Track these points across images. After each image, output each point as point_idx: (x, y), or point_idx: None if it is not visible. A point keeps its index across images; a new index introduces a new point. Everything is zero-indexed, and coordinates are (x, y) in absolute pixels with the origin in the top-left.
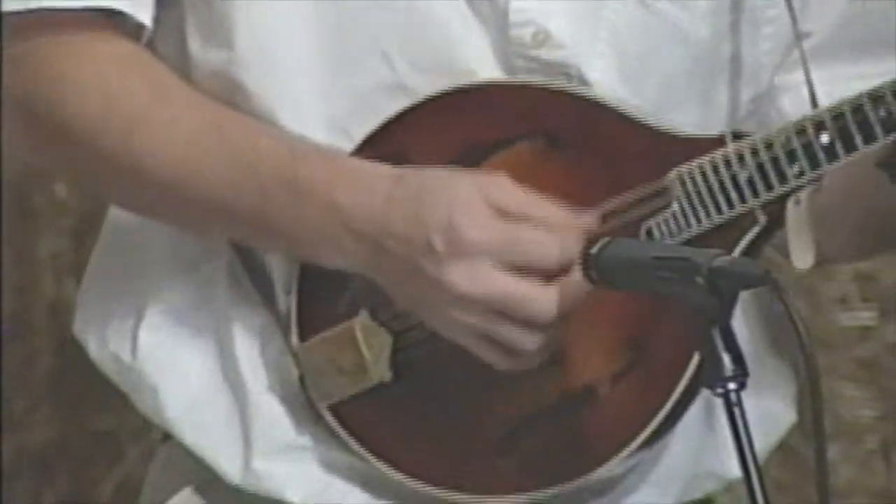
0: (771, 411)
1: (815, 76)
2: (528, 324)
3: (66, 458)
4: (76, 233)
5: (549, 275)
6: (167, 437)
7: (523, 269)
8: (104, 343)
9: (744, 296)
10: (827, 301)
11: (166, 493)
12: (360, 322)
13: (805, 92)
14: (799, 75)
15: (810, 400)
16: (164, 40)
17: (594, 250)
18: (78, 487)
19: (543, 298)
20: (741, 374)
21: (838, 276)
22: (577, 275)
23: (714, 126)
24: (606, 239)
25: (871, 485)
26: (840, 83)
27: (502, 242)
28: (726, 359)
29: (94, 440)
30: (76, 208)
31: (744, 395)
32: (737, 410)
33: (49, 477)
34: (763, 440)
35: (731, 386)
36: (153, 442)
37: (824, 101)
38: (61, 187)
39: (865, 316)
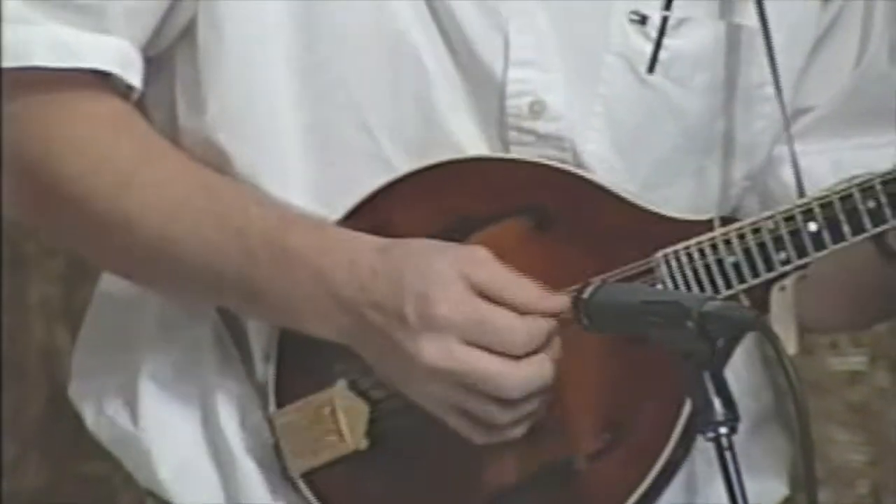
0: (763, 485)
1: (818, 147)
2: (496, 399)
3: None
4: (66, 278)
5: (516, 355)
6: (158, 502)
7: (491, 349)
8: (101, 409)
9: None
10: (818, 345)
11: None
12: (338, 391)
13: (806, 163)
14: (799, 146)
15: (801, 445)
16: (154, 108)
17: (585, 295)
18: None
19: (509, 376)
20: (732, 419)
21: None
22: (550, 352)
23: (707, 201)
24: (598, 283)
25: None
26: (847, 153)
27: (470, 322)
28: (717, 403)
29: (86, 486)
30: (66, 253)
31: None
32: (728, 454)
33: None
34: None
35: (722, 430)
36: (144, 489)
37: (829, 168)
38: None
39: (856, 360)
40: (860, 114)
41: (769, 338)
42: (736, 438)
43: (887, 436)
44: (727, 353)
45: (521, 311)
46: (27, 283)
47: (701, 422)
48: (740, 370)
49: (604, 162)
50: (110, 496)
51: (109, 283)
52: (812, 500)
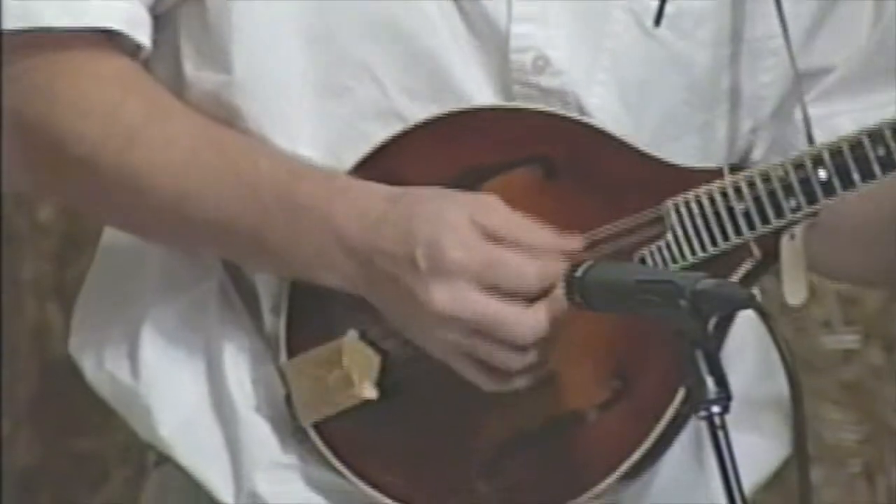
0: (767, 441)
1: (845, 107)
2: (508, 344)
3: (49, 481)
4: (58, 256)
5: (529, 297)
6: (160, 460)
7: (502, 292)
8: (101, 363)
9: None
10: (811, 324)
11: None
12: (348, 341)
13: (832, 124)
14: (824, 108)
15: (794, 423)
16: (157, 61)
17: (578, 273)
18: None
19: (522, 320)
20: (724, 398)
21: (822, 298)
22: (558, 298)
23: (714, 156)
24: (590, 262)
25: None
26: (870, 111)
27: (482, 264)
28: (710, 382)
29: (77, 462)
30: (58, 231)
31: (736, 429)
32: (720, 433)
33: (32, 500)
34: (756, 473)
35: (715, 409)
36: (138, 465)
37: (854, 128)
38: (44, 211)
39: (849, 339)
40: (884, 71)
41: (763, 316)
42: (741, 395)
43: (880, 414)
44: (722, 334)
45: (533, 254)
46: (20, 260)
47: (693, 400)
48: (736, 324)
49: (610, 116)
50: (103, 473)
51: (112, 236)
52: (804, 478)
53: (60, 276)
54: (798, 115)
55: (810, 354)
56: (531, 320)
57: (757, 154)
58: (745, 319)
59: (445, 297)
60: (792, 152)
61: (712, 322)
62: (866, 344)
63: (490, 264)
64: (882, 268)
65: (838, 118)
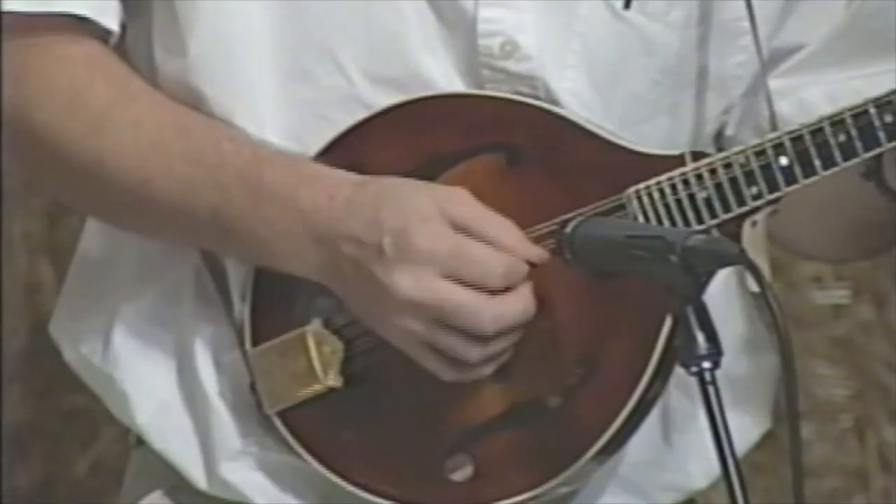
0: (747, 417)
1: (812, 79)
2: (469, 334)
3: (39, 438)
4: (49, 213)
5: (493, 291)
6: (140, 440)
7: (467, 283)
8: (77, 349)
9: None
10: (801, 279)
11: (139, 497)
12: (313, 329)
13: (803, 94)
14: (794, 79)
15: (784, 378)
16: (134, 49)
17: (568, 229)
18: (52, 467)
19: (484, 310)
20: (715, 353)
21: (814, 259)
22: (522, 292)
23: (683, 137)
24: (580, 218)
25: (846, 463)
26: (839, 83)
27: (449, 254)
28: (700, 337)
29: (68, 419)
30: None
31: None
32: (711, 389)
33: (23, 456)
34: (737, 448)
35: (706, 364)
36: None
37: (825, 100)
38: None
39: (839, 294)
40: (855, 47)
41: (754, 272)
42: (718, 371)
43: (870, 370)
44: (703, 285)
45: (500, 247)
46: (10, 217)
47: (684, 356)
48: (718, 299)
49: (580, 99)
50: (93, 429)
51: (92, 226)
52: (795, 433)
53: (51, 234)
54: (770, 85)
55: (800, 310)
56: (494, 310)
57: (729, 130)
58: (726, 296)
59: (409, 283)
60: (758, 124)
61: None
62: (857, 299)
63: (457, 255)
64: (827, 241)
65: (806, 89)
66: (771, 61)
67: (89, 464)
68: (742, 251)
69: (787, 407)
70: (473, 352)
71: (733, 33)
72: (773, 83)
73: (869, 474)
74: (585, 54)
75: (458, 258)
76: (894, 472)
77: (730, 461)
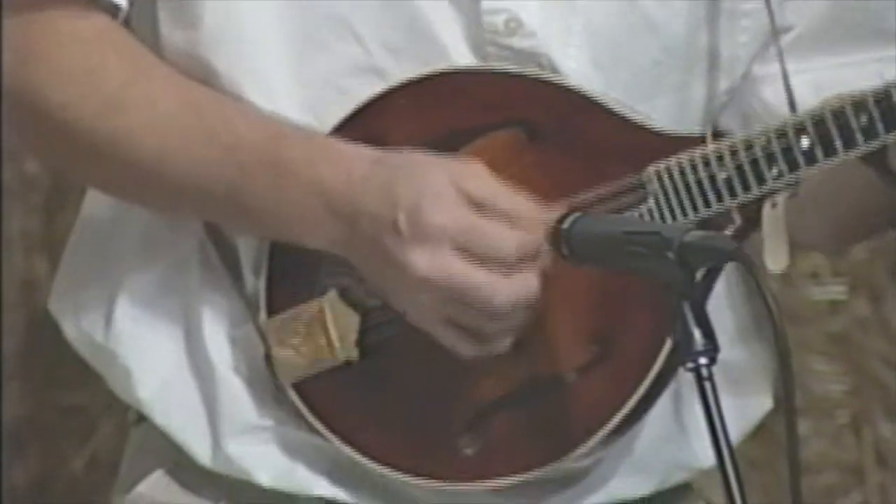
0: (747, 399)
1: (799, 66)
2: (485, 311)
3: (37, 434)
4: (46, 209)
5: (507, 266)
6: (140, 418)
7: (481, 259)
8: (78, 324)
9: (731, 280)
10: (798, 275)
11: (140, 475)
12: (329, 301)
13: (789, 82)
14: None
15: (781, 375)
16: (137, 21)
17: (565, 225)
18: (49, 463)
19: (498, 288)
20: (712, 349)
21: (809, 250)
22: (537, 266)
23: (689, 117)
24: (577, 214)
25: (842, 459)
26: (826, 71)
27: (463, 230)
28: (697, 334)
29: (65, 416)
30: (46, 184)
31: (721, 381)
32: (707, 385)
33: (20, 452)
34: (738, 427)
35: (702, 361)
36: (125, 418)
37: (810, 89)
38: (31, 163)
39: (836, 290)
40: (839, 33)
41: (750, 268)
42: (719, 355)
43: (867, 366)
44: (708, 285)
45: (514, 223)
46: (7, 213)
47: (681, 352)
48: (718, 289)
49: (582, 77)
50: (90, 425)
51: (95, 198)
52: (791, 429)
53: (48, 229)
54: (755, 71)
55: (797, 305)
56: (507, 289)
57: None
58: (722, 281)
59: (424, 261)
60: (744, 112)
61: (700, 274)
62: (853, 295)
63: (469, 231)
64: (821, 228)
65: (792, 76)
66: (764, 45)
67: (86, 460)
68: (738, 247)
69: (784, 402)
70: (490, 327)
71: (739, 13)
72: (759, 69)
73: (865, 470)
74: (588, 32)
75: (471, 235)
76: (891, 467)
77: (727, 458)
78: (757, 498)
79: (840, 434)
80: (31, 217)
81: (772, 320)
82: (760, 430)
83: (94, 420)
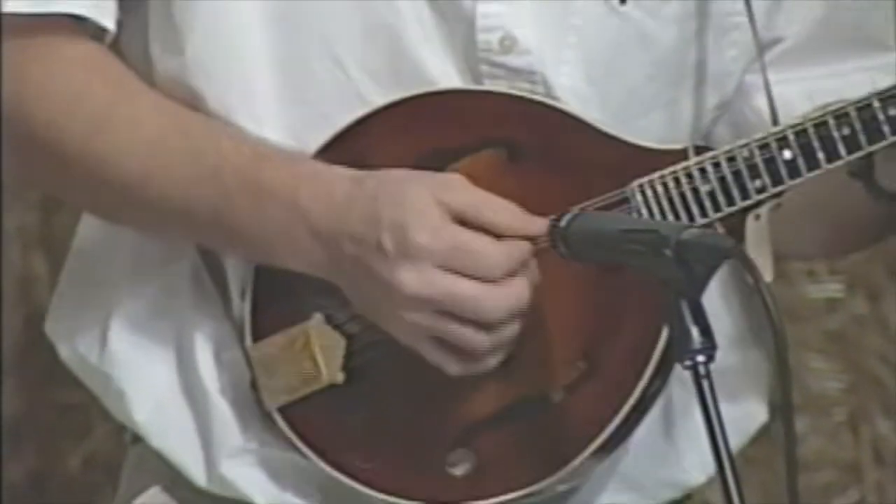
0: (744, 408)
1: (791, 75)
2: (476, 323)
3: (34, 432)
4: (44, 206)
5: (495, 279)
6: (137, 438)
7: (468, 274)
8: (73, 347)
9: (728, 286)
10: (795, 273)
11: (137, 492)
12: (314, 325)
13: (780, 90)
14: (771, 75)
15: (778, 373)
16: (129, 47)
17: (563, 223)
18: (45, 461)
19: (490, 297)
20: (709, 347)
21: (801, 259)
22: (524, 277)
23: (680, 132)
24: (575, 211)
25: (840, 457)
26: (818, 80)
27: (448, 247)
28: (694, 331)
29: (62, 414)
30: None
31: (718, 396)
32: (705, 383)
33: (16, 450)
34: (734, 439)
35: (700, 358)
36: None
37: (802, 99)
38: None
39: (833, 288)
40: (830, 42)
41: (747, 266)
42: (714, 364)
43: (864, 363)
44: (704, 281)
45: (499, 234)
46: (4, 210)
47: (678, 350)
48: (713, 295)
49: (576, 94)
50: (86, 424)
51: (88, 221)
52: (789, 427)
53: (46, 226)
54: (746, 80)
55: (794, 304)
56: (497, 297)
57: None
58: (718, 288)
59: (413, 278)
60: (736, 121)
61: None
62: (850, 293)
63: (455, 247)
64: (809, 240)
65: (784, 86)
66: (754, 55)
67: (83, 458)
68: (736, 245)
69: (782, 400)
70: (480, 340)
71: (727, 28)
72: (750, 78)
73: (863, 468)
74: (582, 49)
75: (457, 251)
76: (888, 465)
77: (724, 455)
78: (755, 496)
79: (837, 432)
80: (28, 214)
81: (769, 318)
82: (760, 427)
83: (90, 418)
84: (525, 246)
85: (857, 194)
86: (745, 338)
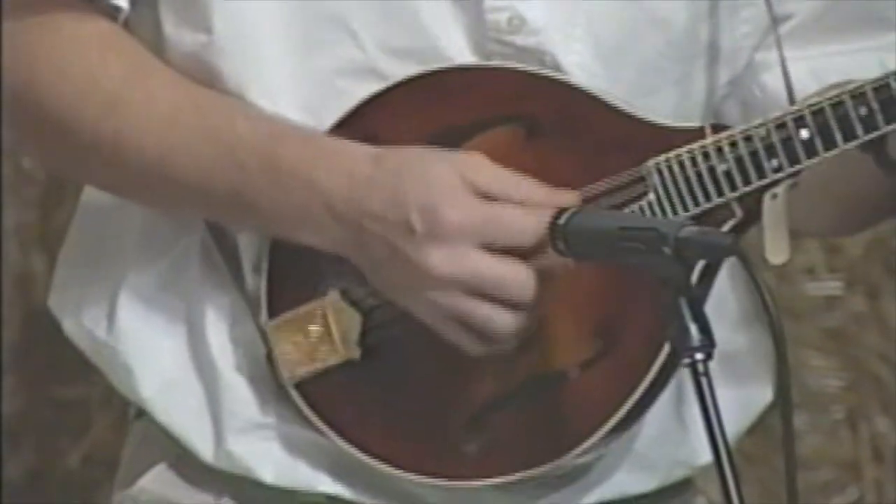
0: (749, 390)
1: (798, 54)
2: (506, 304)
3: (32, 429)
4: (42, 204)
5: (525, 254)
6: (141, 413)
7: (501, 249)
8: (79, 320)
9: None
10: (794, 271)
11: (142, 469)
12: (330, 301)
13: (788, 68)
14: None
15: (777, 370)
16: (138, 20)
17: (562, 220)
18: (45, 457)
19: (521, 278)
20: (708, 345)
21: (806, 245)
22: (549, 254)
23: (691, 109)
24: (574, 209)
25: (838, 454)
26: (823, 59)
27: (481, 223)
28: (693, 329)
29: (61, 410)
30: (42, 179)
31: (720, 376)
32: (704, 380)
33: (15, 447)
34: (739, 420)
35: (699, 356)
36: (121, 413)
37: (809, 77)
38: (28, 158)
39: (832, 286)
40: (838, 21)
41: (746, 263)
42: (720, 345)
43: (863, 361)
44: (708, 284)
45: (527, 209)
46: (3, 208)
47: (677, 348)
48: (719, 276)
49: (587, 73)
50: (85, 420)
51: (93, 194)
52: (787, 424)
53: (44, 225)
54: (754, 57)
55: (793, 301)
56: (530, 277)
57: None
58: (723, 269)
59: (444, 259)
60: (745, 99)
61: (697, 269)
62: (849, 291)
63: (487, 222)
64: (819, 215)
65: (792, 64)
66: (765, 33)
67: (82, 455)
68: (735, 242)
69: (780, 398)
70: (508, 322)
71: (739, 5)
72: (759, 56)
73: (861, 465)
74: (591, 27)
75: (489, 226)
76: (887, 463)
77: (722, 453)
78: (753, 493)
79: (836, 429)
80: (27, 211)
81: (768, 316)
82: (757, 426)
83: (90, 415)
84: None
85: (867, 169)
86: (749, 319)
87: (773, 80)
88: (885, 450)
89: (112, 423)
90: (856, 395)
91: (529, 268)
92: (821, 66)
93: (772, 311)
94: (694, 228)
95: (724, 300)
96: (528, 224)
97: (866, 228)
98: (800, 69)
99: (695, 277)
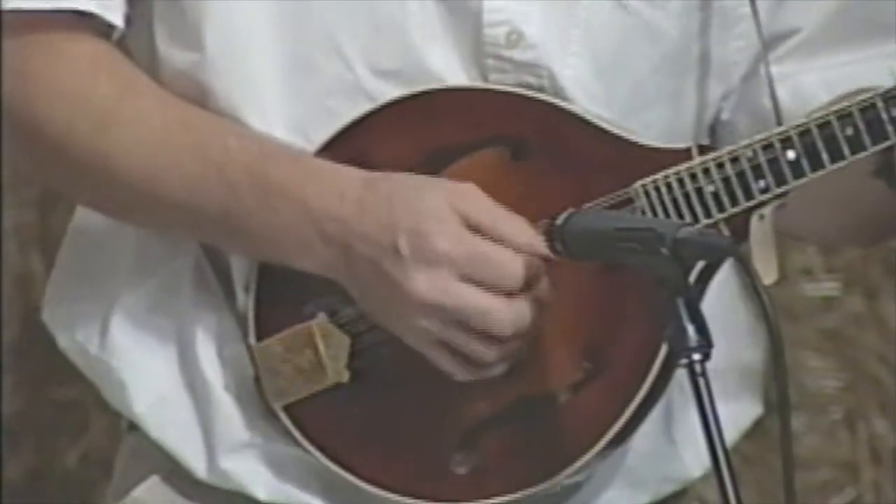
0: (739, 407)
1: (806, 66)
2: (486, 336)
3: (31, 429)
4: (41, 204)
5: (510, 291)
6: (133, 426)
7: (485, 285)
8: (72, 335)
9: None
10: (792, 272)
11: (135, 481)
12: (319, 323)
13: (799, 81)
14: (790, 66)
15: (775, 371)
16: (132, 38)
17: (559, 221)
18: (43, 458)
19: (503, 312)
20: (705, 346)
21: (803, 246)
22: (538, 291)
23: (684, 124)
24: (571, 210)
25: (836, 455)
26: (832, 70)
27: (468, 257)
28: (690, 329)
29: (59, 411)
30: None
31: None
32: (701, 381)
33: (14, 447)
34: (728, 435)
35: (696, 357)
36: (118, 413)
37: (822, 88)
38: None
39: (830, 286)
40: (848, 31)
41: (744, 264)
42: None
43: (861, 362)
44: (705, 282)
45: (514, 248)
46: (2, 208)
47: (674, 348)
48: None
49: (582, 87)
50: (83, 420)
51: (86, 211)
52: (785, 425)
53: (43, 225)
54: (763, 71)
55: (791, 302)
56: (512, 313)
57: (725, 115)
58: (714, 289)
59: (427, 284)
60: (755, 109)
61: (696, 270)
62: (847, 291)
63: (474, 257)
64: (835, 234)
65: (802, 76)
66: (768, 47)
67: (80, 455)
68: (732, 243)
69: (778, 399)
70: (489, 352)
71: (732, 19)
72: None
73: (859, 466)
74: (588, 42)
75: (476, 260)
76: (885, 463)
77: (720, 453)
78: (751, 494)
79: (834, 430)
80: (26, 212)
81: (765, 315)
82: (754, 427)
83: (88, 415)
84: (539, 263)
85: (881, 193)
86: (738, 333)
87: (784, 93)
88: (882, 450)
89: (110, 423)
90: (854, 396)
91: (512, 302)
92: (831, 77)
93: (769, 312)
94: (692, 229)
95: (713, 317)
96: (513, 267)
97: (882, 244)
98: (810, 81)
99: (693, 278)
